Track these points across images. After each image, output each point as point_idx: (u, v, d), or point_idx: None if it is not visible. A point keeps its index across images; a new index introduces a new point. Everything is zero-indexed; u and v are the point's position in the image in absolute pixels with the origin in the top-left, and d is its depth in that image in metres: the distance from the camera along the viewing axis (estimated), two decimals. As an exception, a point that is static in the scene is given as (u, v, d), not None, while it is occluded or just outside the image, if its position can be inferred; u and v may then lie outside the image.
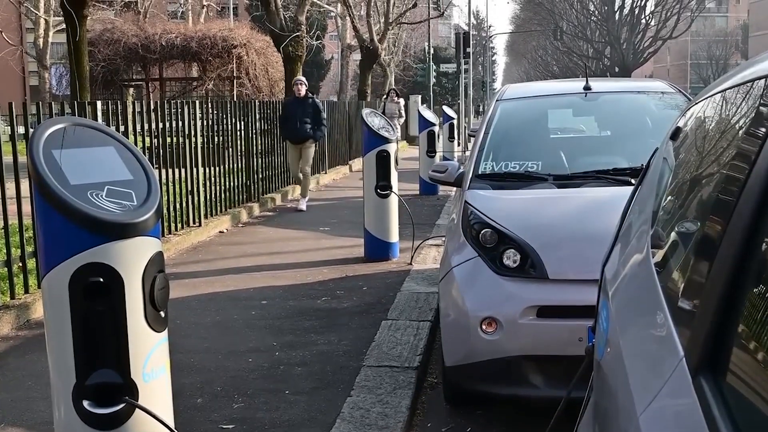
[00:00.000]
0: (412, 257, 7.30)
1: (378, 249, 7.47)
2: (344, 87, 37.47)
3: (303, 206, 11.25)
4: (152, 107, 8.62)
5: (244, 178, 11.08)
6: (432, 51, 35.08)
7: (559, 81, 7.60)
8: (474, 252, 3.92)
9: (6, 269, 5.64)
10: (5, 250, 5.76)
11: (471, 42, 34.86)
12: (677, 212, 1.78)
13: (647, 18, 55.07)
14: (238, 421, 3.73)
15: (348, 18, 27.52)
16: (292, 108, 11.20)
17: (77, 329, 2.15)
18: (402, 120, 19.74)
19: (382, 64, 30.53)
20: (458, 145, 20.31)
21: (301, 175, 11.35)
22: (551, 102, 5.58)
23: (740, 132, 1.45)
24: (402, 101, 20.60)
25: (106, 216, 2.12)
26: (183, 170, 8.93)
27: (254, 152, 11.62)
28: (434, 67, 33.19)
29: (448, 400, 4.13)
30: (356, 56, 34.62)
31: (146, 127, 8.46)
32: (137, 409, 2.19)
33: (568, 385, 2.32)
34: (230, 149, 10.83)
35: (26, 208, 5.68)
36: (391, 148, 7.47)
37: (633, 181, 3.82)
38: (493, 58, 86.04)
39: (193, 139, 9.23)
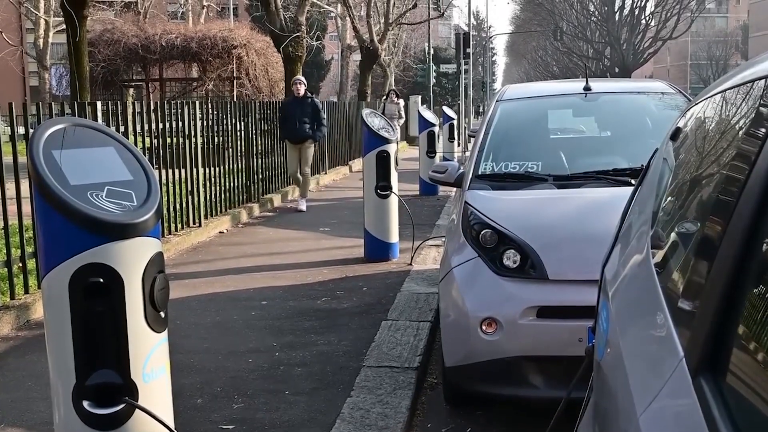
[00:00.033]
0: (412, 258, 7.30)
1: (378, 249, 7.48)
2: (344, 87, 37.48)
3: (303, 207, 11.25)
4: (152, 108, 8.63)
5: (244, 178, 11.08)
6: (432, 51, 35.09)
7: (559, 81, 7.60)
8: (474, 252, 3.92)
9: (6, 269, 5.64)
10: (5, 251, 5.76)
11: (471, 42, 34.88)
12: (677, 213, 1.78)
13: (647, 18, 55.10)
14: (238, 422, 3.73)
15: (348, 18, 27.54)
16: (291, 108, 11.20)
17: (77, 330, 2.15)
18: (402, 121, 19.73)
19: (382, 64, 30.54)
20: (458, 145, 20.31)
21: (299, 176, 11.34)
22: (551, 102, 5.58)
23: (740, 132, 1.45)
24: (402, 102, 20.59)
25: (106, 216, 2.12)
26: (183, 171, 8.94)
27: (254, 153, 11.62)
28: (434, 67, 33.19)
29: (448, 400, 4.13)
30: (356, 57, 34.64)
31: (146, 127, 8.46)
32: (137, 410, 2.19)
33: (568, 385, 2.31)
34: (230, 150, 10.83)
35: (26, 208, 5.68)
36: (391, 148, 7.48)
37: (633, 181, 3.82)
38: (493, 59, 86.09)
39: (193, 140, 9.24)
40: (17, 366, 4.62)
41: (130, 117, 8.15)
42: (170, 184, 8.62)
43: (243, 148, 11.29)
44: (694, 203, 1.65)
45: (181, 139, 9.03)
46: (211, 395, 4.09)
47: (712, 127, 1.81)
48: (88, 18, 11.21)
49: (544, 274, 3.68)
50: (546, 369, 3.58)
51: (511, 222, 3.94)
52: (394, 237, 7.55)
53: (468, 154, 7.36)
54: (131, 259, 2.16)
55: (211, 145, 10.02)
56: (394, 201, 7.48)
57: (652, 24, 54.92)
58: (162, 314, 2.27)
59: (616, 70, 52.27)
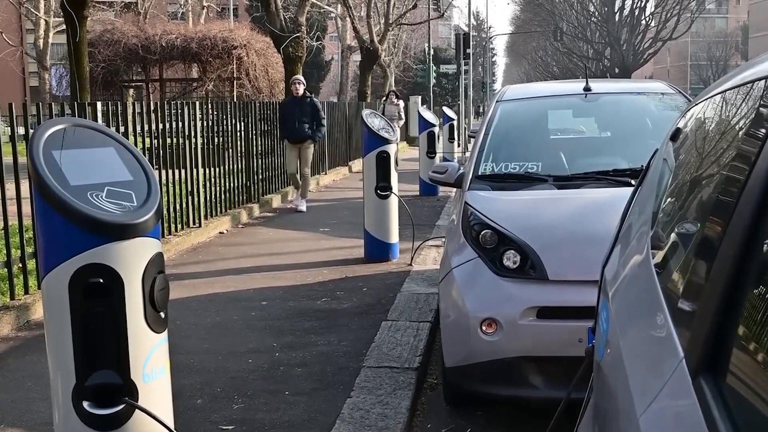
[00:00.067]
0: (412, 258, 7.30)
1: (378, 250, 7.47)
2: (344, 88, 37.48)
3: (303, 207, 11.25)
4: (152, 108, 8.63)
5: (244, 179, 11.08)
6: (432, 52, 35.09)
7: (559, 82, 7.60)
8: (474, 253, 3.92)
9: (6, 270, 5.64)
10: (5, 251, 5.76)
11: (471, 43, 34.89)
12: (677, 213, 1.78)
13: (647, 19, 55.11)
14: (238, 422, 3.73)
15: (348, 19, 27.53)
16: (290, 108, 11.19)
17: (77, 330, 2.15)
18: (402, 122, 19.72)
19: (382, 65, 30.54)
20: (458, 146, 20.31)
21: (297, 177, 11.33)
22: (551, 103, 5.58)
23: (740, 133, 1.45)
24: (401, 103, 20.58)
25: (106, 217, 2.12)
26: (183, 171, 8.94)
27: (254, 153, 11.62)
28: (434, 68, 33.20)
29: (448, 401, 4.13)
30: (356, 57, 34.64)
31: (146, 127, 8.46)
32: (137, 410, 2.19)
33: (568, 386, 2.31)
34: (230, 150, 10.83)
35: (26, 208, 5.68)
36: (391, 149, 7.48)
37: (633, 182, 3.82)
38: (493, 59, 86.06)
39: (193, 140, 9.24)
40: (17, 366, 4.62)
41: (130, 117, 8.15)
42: (170, 185, 8.63)
43: (243, 148, 11.29)
44: (694, 204, 1.65)
45: (181, 139, 9.03)
46: (211, 396, 4.09)
47: (712, 127, 1.81)
48: (88, 18, 11.20)
49: (544, 275, 3.68)
50: (546, 369, 3.58)
51: (511, 222, 3.94)
52: (394, 237, 7.55)
53: (468, 154, 7.37)
54: (131, 259, 2.16)
55: (211, 146, 10.02)
56: (394, 201, 7.48)
57: (652, 24, 54.93)
58: (162, 315, 2.27)
59: (616, 70, 52.26)
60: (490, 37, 72.92)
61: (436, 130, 14.07)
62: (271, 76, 20.11)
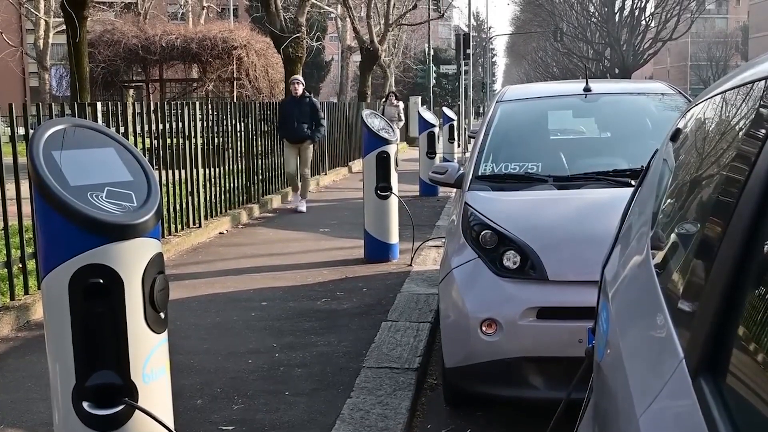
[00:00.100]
0: (412, 258, 7.30)
1: (378, 250, 7.47)
2: (344, 88, 37.47)
3: (303, 208, 11.25)
4: (152, 108, 8.63)
5: (244, 179, 11.08)
6: (432, 52, 35.09)
7: (559, 82, 7.60)
8: (474, 253, 3.92)
9: (6, 270, 5.64)
10: (5, 251, 5.76)
11: (471, 43, 34.89)
12: (677, 214, 1.78)
13: (647, 19, 55.10)
14: (238, 423, 3.73)
15: (348, 19, 27.53)
16: (289, 108, 11.17)
17: (77, 330, 2.15)
18: (401, 124, 19.72)
19: (382, 65, 30.53)
20: (458, 146, 20.31)
21: (296, 178, 11.31)
22: (551, 103, 5.58)
23: (740, 133, 1.45)
24: (401, 104, 20.57)
25: (106, 217, 2.12)
26: (183, 171, 8.94)
27: (254, 153, 11.62)
28: (434, 68, 33.20)
29: (448, 401, 4.13)
30: (356, 57, 34.63)
31: (146, 128, 8.46)
32: (137, 411, 2.19)
33: (568, 386, 2.31)
34: (230, 150, 10.83)
35: (26, 209, 5.68)
36: (391, 149, 7.48)
37: (633, 182, 3.82)
38: (493, 60, 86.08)
39: (193, 141, 9.24)
40: (17, 367, 4.62)
41: (130, 118, 8.15)
42: (170, 185, 8.63)
43: (243, 149, 11.29)
44: (694, 204, 1.65)
45: (181, 139, 9.03)
46: (211, 396, 4.09)
47: (712, 128, 1.81)
48: (88, 19, 11.21)
49: (544, 275, 3.68)
50: (546, 370, 3.58)
51: (511, 223, 3.94)
52: (394, 238, 7.55)
53: (468, 155, 7.37)
54: (131, 259, 2.16)
55: (211, 146, 10.02)
56: (394, 202, 7.48)
57: (652, 25, 54.92)
58: (162, 315, 2.27)
59: (616, 71, 52.26)
60: (490, 38, 72.97)
61: (436, 130, 14.08)
62: (271, 76, 20.11)
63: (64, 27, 11.37)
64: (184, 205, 8.88)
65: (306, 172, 11.35)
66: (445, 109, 17.45)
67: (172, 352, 2.53)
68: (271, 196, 11.97)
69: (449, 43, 62.82)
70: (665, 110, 5.16)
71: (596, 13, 57.09)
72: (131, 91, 21.30)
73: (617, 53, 53.46)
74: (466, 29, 40.14)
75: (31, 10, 31.60)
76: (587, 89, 5.12)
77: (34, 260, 5.59)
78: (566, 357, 3.44)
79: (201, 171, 9.40)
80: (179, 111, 9.04)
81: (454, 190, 5.22)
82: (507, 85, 7.02)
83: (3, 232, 5.69)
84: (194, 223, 9.07)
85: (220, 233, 9.46)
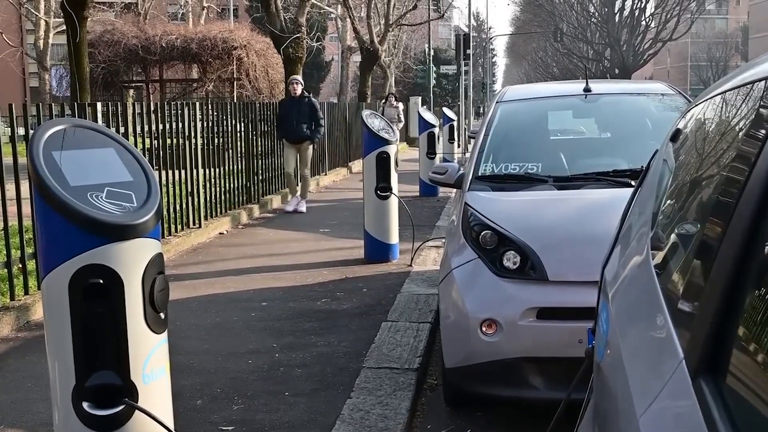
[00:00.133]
0: (412, 259, 7.30)
1: (378, 250, 7.47)
2: (344, 89, 37.48)
3: (303, 208, 11.25)
4: (152, 109, 8.63)
5: (244, 179, 11.08)
6: (432, 53, 35.10)
7: (559, 83, 7.60)
8: (474, 254, 3.92)
9: (6, 270, 5.64)
10: (5, 252, 5.76)
11: (471, 44, 34.90)
12: (677, 214, 1.78)
13: (647, 20, 55.09)
14: (238, 423, 3.73)
15: (348, 20, 27.53)
16: (288, 108, 11.15)
17: (77, 331, 2.15)
18: (401, 125, 19.71)
19: (383, 65, 30.53)
20: (458, 146, 20.31)
21: (293, 178, 11.30)
22: (551, 104, 5.58)
23: (740, 134, 1.45)
24: (401, 106, 20.56)
25: (106, 217, 2.12)
26: (183, 172, 8.94)
27: (254, 154, 11.62)
28: (434, 68, 33.20)
29: (447, 401, 4.13)
30: (356, 58, 34.64)
31: (146, 128, 8.46)
32: (137, 411, 2.19)
33: (568, 386, 2.31)
34: (230, 151, 10.83)
35: (26, 209, 5.68)
36: (391, 149, 7.48)
37: (633, 182, 3.82)
38: (493, 60, 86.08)
39: (193, 141, 9.24)
40: (17, 367, 4.62)
41: (130, 118, 8.15)
42: (170, 185, 8.63)
43: (243, 149, 11.29)
44: (694, 204, 1.65)
45: (181, 140, 9.03)
46: (211, 396, 4.09)
47: (712, 128, 1.81)
48: (88, 19, 11.20)
49: (544, 276, 3.68)
50: (546, 370, 3.58)
51: (511, 223, 3.94)
52: (394, 238, 7.55)
53: (468, 155, 7.37)
54: (131, 260, 2.16)
55: (211, 147, 10.02)
56: (394, 202, 7.48)
57: (652, 25, 54.91)
58: (162, 315, 2.27)
59: (616, 71, 52.25)
60: (490, 38, 72.99)
61: (436, 130, 14.08)
62: (272, 76, 20.11)
63: (64, 27, 11.38)
64: (184, 206, 8.88)
65: (306, 173, 11.34)
66: (445, 110, 17.45)
67: (172, 352, 2.53)
68: (271, 197, 11.96)
69: (449, 43, 62.81)
70: (665, 110, 5.16)
71: (596, 14, 57.08)
72: (131, 92, 21.31)
73: (617, 53, 53.46)
74: (466, 29, 40.14)
75: (31, 10, 31.61)
76: (587, 89, 5.12)
77: (34, 260, 5.59)
78: (566, 357, 3.44)
79: (201, 171, 9.40)
80: (179, 111, 9.04)
81: (454, 190, 5.22)
82: (507, 86, 7.02)
83: (3, 232, 5.69)
84: (194, 224, 9.07)
85: (220, 233, 9.46)
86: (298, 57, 16.40)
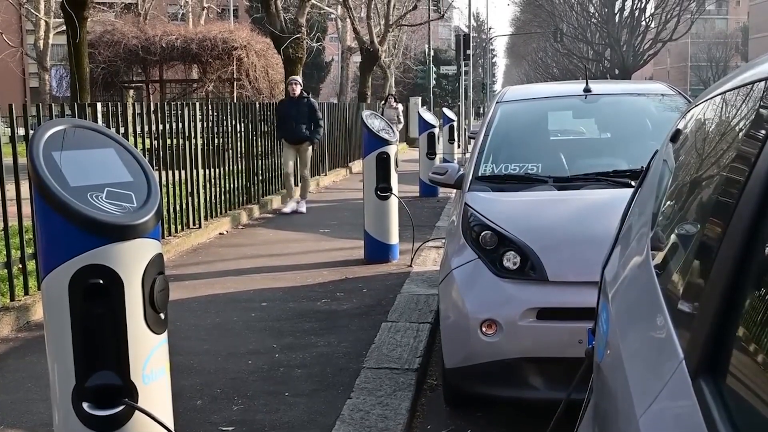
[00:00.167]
0: (412, 259, 7.30)
1: (378, 251, 7.47)
2: (344, 89, 37.48)
3: (303, 208, 11.24)
4: (152, 109, 8.63)
5: (244, 180, 11.08)
6: (432, 53, 35.10)
7: (559, 83, 7.60)
8: (474, 254, 3.92)
9: (6, 271, 5.64)
10: (5, 252, 5.76)
11: (471, 44, 34.89)
12: (677, 214, 1.78)
13: (647, 20, 55.08)
14: (238, 423, 3.73)
15: (348, 20, 27.53)
16: (287, 108, 11.13)
17: (77, 331, 2.15)
18: (401, 126, 19.71)
19: (383, 66, 30.54)
20: (458, 147, 20.31)
21: (291, 179, 11.28)
22: (551, 104, 5.58)
23: (740, 134, 1.45)
24: (401, 106, 20.57)
25: (106, 218, 2.12)
26: (183, 172, 8.94)
27: (254, 154, 11.62)
28: (434, 69, 33.21)
29: (447, 402, 4.13)
30: (356, 58, 34.65)
31: (146, 128, 8.46)
32: (137, 411, 2.19)
33: (568, 387, 2.31)
34: (230, 151, 10.83)
35: (26, 209, 5.68)
36: (391, 150, 7.48)
37: (633, 183, 3.82)
38: (493, 60, 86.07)
39: (193, 141, 9.24)
40: (17, 367, 4.62)
41: (130, 118, 8.15)
42: (170, 186, 8.63)
43: (243, 149, 11.28)
44: (694, 205, 1.65)
45: (181, 140, 9.03)
46: (211, 397, 4.09)
47: (712, 128, 1.81)
48: (89, 19, 11.20)
49: (544, 276, 3.68)
50: (546, 370, 3.58)
51: (511, 223, 3.94)
52: (394, 238, 7.55)
53: (468, 155, 7.37)
54: (131, 260, 2.16)
55: (211, 147, 10.02)
56: (394, 202, 7.48)
57: (652, 26, 54.91)
58: (162, 316, 2.27)
59: (616, 71, 52.26)
60: (490, 39, 73.00)
61: (436, 131, 14.08)
62: (272, 77, 20.11)
63: (64, 27, 11.38)
64: (184, 206, 8.88)
65: (305, 173, 11.34)
66: (445, 110, 17.45)
67: (172, 352, 2.53)
68: (271, 197, 11.96)
69: (449, 43, 62.81)
70: (665, 111, 5.16)
71: (596, 14, 57.07)
72: (131, 92, 21.30)
73: (617, 54, 53.45)
74: (466, 30, 40.15)
75: (31, 10, 31.61)
76: (587, 90, 5.12)
77: (34, 261, 5.59)
78: (566, 358, 3.44)
79: (201, 171, 9.40)
80: (179, 111, 9.04)
81: (454, 190, 5.22)
82: (507, 86, 7.02)
83: (3, 232, 5.69)
84: (194, 224, 9.07)
85: (220, 234, 9.46)
86: (298, 57, 16.40)
